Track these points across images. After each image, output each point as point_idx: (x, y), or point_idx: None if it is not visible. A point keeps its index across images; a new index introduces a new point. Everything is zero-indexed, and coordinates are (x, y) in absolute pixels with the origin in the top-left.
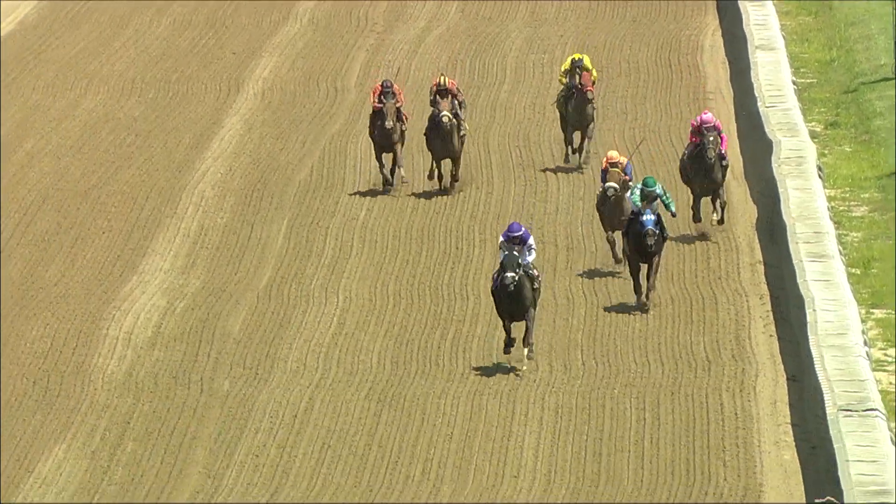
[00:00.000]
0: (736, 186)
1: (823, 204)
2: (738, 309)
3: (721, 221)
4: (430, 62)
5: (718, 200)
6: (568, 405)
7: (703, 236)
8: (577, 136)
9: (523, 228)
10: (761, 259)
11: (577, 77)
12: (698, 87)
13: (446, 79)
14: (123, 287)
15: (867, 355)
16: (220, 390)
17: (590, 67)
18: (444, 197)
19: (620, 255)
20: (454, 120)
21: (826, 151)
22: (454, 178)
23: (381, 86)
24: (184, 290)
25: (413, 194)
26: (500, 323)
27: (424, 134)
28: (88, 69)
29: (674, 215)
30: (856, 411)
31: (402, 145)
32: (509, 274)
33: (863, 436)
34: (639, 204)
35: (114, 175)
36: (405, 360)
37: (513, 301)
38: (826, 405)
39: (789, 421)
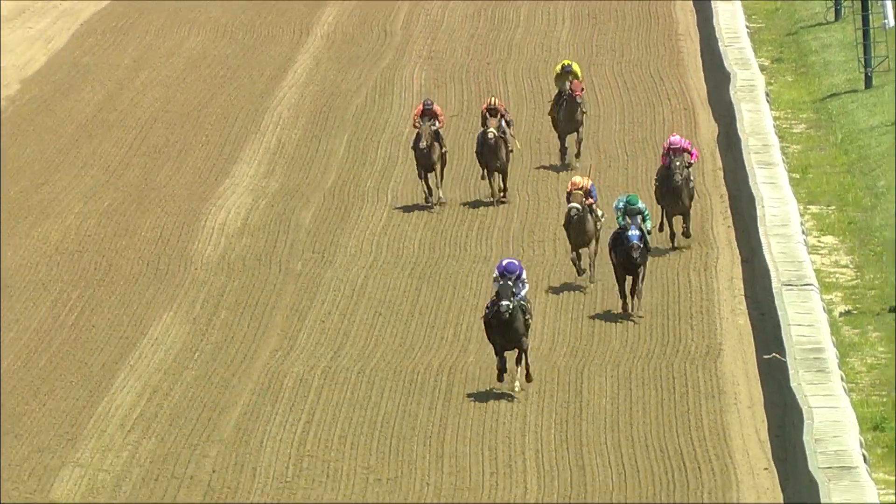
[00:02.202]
0: (701, 109)
1: (770, 122)
2: (702, 205)
3: (686, 235)
4: (460, 10)
5: (683, 225)
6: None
7: (674, 248)
8: (570, 139)
9: (518, 265)
10: (721, 166)
11: (568, 83)
12: (671, 30)
13: (496, 100)
14: (218, 188)
15: (805, 242)
16: (294, 270)
17: (579, 73)
18: (475, 118)
19: (584, 268)
20: (501, 136)
21: (772, 81)
22: (503, 191)
23: (423, 105)
24: (265, 190)
25: (452, 117)
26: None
27: (475, 152)
28: (190, 16)
29: (648, 233)
30: (796, 286)
31: (444, 166)
32: (504, 302)
33: (801, 305)
34: (622, 221)
35: (210, 100)
36: (440, 245)
37: (506, 330)
38: (772, 281)
39: (743, 293)
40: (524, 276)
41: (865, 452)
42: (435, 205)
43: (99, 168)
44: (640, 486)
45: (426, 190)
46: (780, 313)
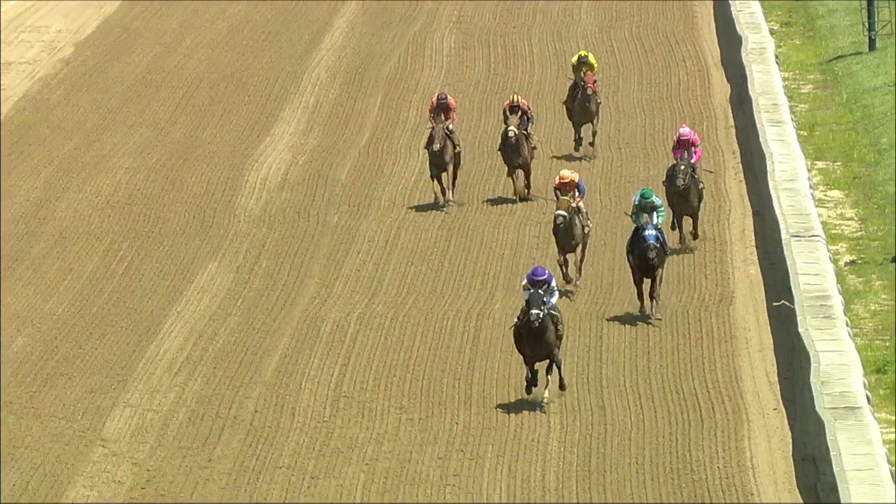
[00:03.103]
0: (714, 70)
1: (779, 83)
2: (715, 160)
3: (695, 237)
4: None
5: (694, 226)
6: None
7: (683, 249)
8: (585, 129)
9: (547, 272)
10: (733, 124)
11: (583, 73)
12: None
13: (518, 97)
14: (259, 145)
15: (812, 196)
16: (331, 222)
17: (594, 64)
18: (502, 79)
19: (570, 276)
20: (523, 133)
21: (781, 44)
22: (527, 186)
23: (437, 99)
24: (304, 147)
25: (476, 81)
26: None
27: (498, 149)
28: None
29: (662, 230)
30: (803, 237)
31: (457, 167)
32: (534, 311)
33: (808, 255)
34: (637, 221)
35: (252, 62)
36: (468, 198)
37: (536, 340)
38: (781, 232)
39: (754, 244)
40: (554, 284)
41: (869, 394)
42: (445, 206)
43: (147, 126)
44: (657, 425)
45: (438, 191)
46: (788, 263)
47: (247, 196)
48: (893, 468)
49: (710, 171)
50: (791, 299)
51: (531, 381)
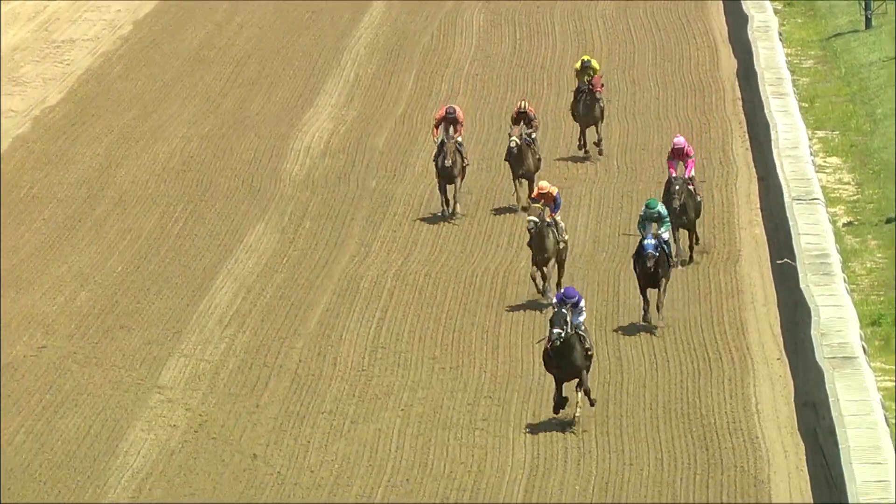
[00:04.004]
0: (722, 47)
1: (783, 58)
2: (723, 130)
3: (690, 258)
4: None
5: (690, 240)
6: (606, 197)
7: (682, 262)
8: (589, 132)
9: (577, 293)
10: (740, 96)
11: (587, 78)
12: None
13: (526, 104)
14: (303, 116)
15: (812, 162)
16: (369, 186)
17: (597, 68)
18: (527, 54)
19: (543, 289)
20: (526, 144)
21: (784, 22)
22: (531, 195)
23: (446, 111)
24: (344, 117)
25: (503, 56)
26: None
27: (505, 159)
28: None
29: (667, 242)
30: (804, 200)
31: (463, 179)
32: (556, 329)
33: (809, 217)
34: (642, 230)
35: (297, 39)
36: (496, 166)
37: (563, 359)
38: (784, 196)
39: (759, 207)
40: (582, 304)
41: (865, 345)
42: (451, 216)
43: (200, 98)
44: (670, 373)
45: (444, 202)
46: (790, 224)
47: (291, 162)
48: (887, 413)
49: (702, 181)
50: (793, 257)
51: (559, 403)
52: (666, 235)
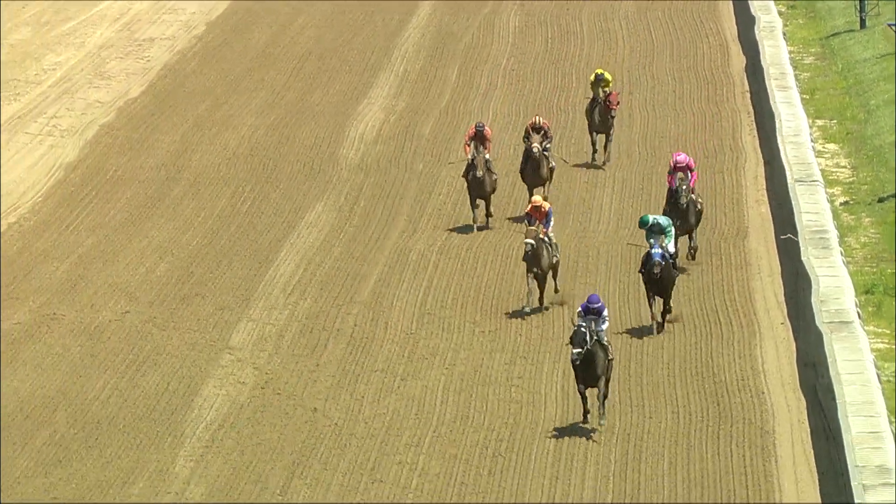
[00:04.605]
0: (732, 45)
1: (786, 55)
2: (733, 119)
3: (692, 257)
4: None
5: (691, 241)
6: (629, 179)
7: (681, 269)
8: (600, 140)
9: (600, 301)
10: (748, 89)
11: (602, 91)
12: None
13: (540, 119)
14: (358, 106)
15: (812, 148)
16: (417, 169)
17: (609, 80)
18: (557, 52)
19: (526, 301)
20: (544, 152)
21: (787, 23)
22: (544, 199)
23: (475, 127)
24: (395, 108)
25: (535, 53)
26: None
27: (520, 170)
28: None
29: (672, 255)
30: (805, 182)
31: (493, 192)
32: (576, 350)
33: (810, 197)
34: (649, 240)
35: (352, 38)
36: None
37: (586, 370)
38: (787, 178)
39: (764, 188)
40: (605, 313)
41: (859, 311)
42: (482, 228)
43: (266, 91)
44: (685, 335)
45: (474, 217)
46: (793, 203)
47: (347, 148)
48: (880, 372)
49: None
50: (795, 233)
51: (585, 409)
52: (671, 246)
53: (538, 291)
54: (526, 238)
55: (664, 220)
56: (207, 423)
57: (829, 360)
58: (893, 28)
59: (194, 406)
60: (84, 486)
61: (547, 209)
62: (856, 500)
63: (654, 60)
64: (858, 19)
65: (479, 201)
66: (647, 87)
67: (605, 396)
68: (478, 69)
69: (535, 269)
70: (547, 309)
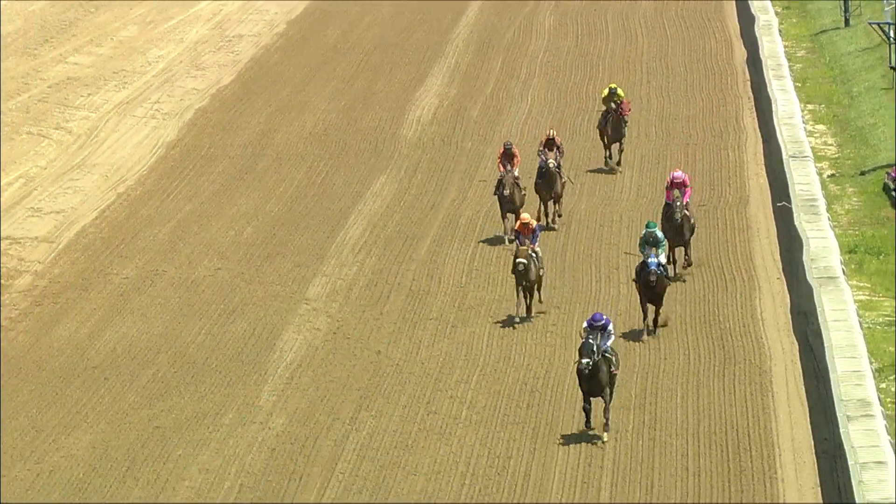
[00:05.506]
0: (735, 41)
1: (781, 49)
2: (736, 104)
3: (687, 266)
4: None
5: (685, 255)
6: (647, 156)
7: (677, 277)
8: (613, 147)
9: (605, 318)
10: (748, 78)
11: (614, 104)
12: None
13: (554, 132)
14: (416, 93)
15: (804, 128)
16: (466, 147)
17: (622, 94)
18: (586, 46)
19: (516, 312)
20: (556, 169)
21: (783, 21)
22: (558, 214)
23: (504, 147)
24: (447, 94)
25: (568, 48)
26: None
27: (534, 184)
28: None
29: (663, 265)
30: (798, 157)
31: (522, 206)
32: (584, 360)
33: (802, 170)
34: (643, 250)
35: (411, 35)
36: (569, 129)
37: (590, 381)
38: (782, 154)
39: (763, 163)
40: (611, 328)
41: (844, 268)
42: (512, 241)
43: (338, 80)
44: (694, 289)
45: (504, 229)
46: (787, 175)
47: (406, 129)
48: (861, 320)
49: (703, 205)
50: (789, 201)
51: (588, 414)
52: (662, 258)
53: (524, 303)
54: (518, 258)
55: (660, 234)
56: (287, 364)
57: (818, 309)
58: (874, 26)
59: (276, 349)
60: (182, 417)
61: (534, 226)
62: (841, 429)
63: (668, 53)
64: (843, 18)
65: (508, 215)
66: (662, 76)
67: (608, 405)
68: (518, 61)
69: (524, 283)
70: (534, 317)
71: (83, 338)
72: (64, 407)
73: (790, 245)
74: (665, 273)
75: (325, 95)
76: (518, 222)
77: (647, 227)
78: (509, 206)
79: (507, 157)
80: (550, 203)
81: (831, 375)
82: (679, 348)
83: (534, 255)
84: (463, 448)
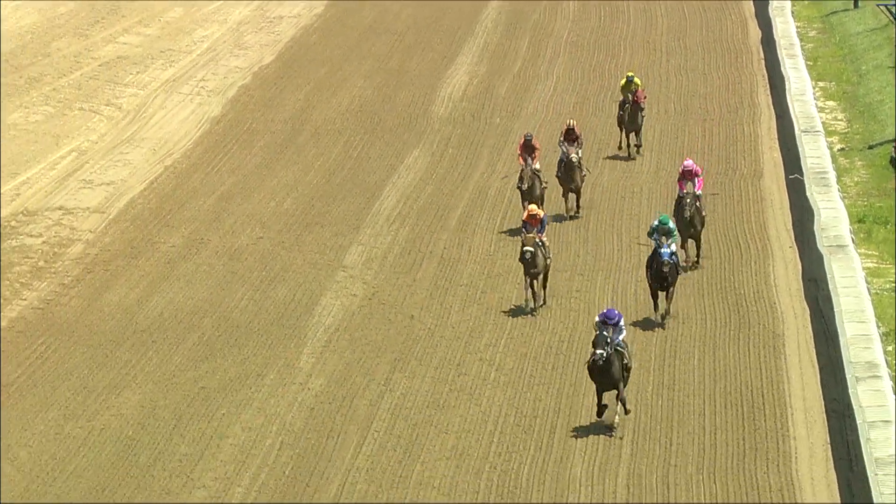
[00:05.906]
0: (750, 22)
1: (794, 30)
2: (751, 82)
3: (696, 263)
4: None
5: (697, 248)
6: (666, 130)
7: (690, 267)
8: (630, 137)
9: (618, 314)
10: (763, 57)
11: (630, 94)
12: None
13: (573, 122)
14: (447, 71)
15: (815, 104)
16: (494, 123)
17: (639, 83)
18: (609, 28)
19: (528, 308)
20: (578, 161)
21: (795, 3)
22: (578, 207)
23: (524, 138)
24: (477, 72)
25: (591, 29)
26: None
27: (556, 174)
28: None
29: (674, 254)
30: (810, 132)
31: (541, 202)
32: (599, 351)
33: (813, 144)
34: (655, 239)
35: (443, 16)
36: (590, 105)
37: (603, 374)
38: (795, 129)
39: (776, 137)
40: (622, 323)
41: (853, 237)
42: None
43: (373, 59)
44: (711, 257)
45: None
46: (799, 149)
47: (438, 105)
48: (869, 286)
49: (715, 194)
50: (801, 173)
51: (601, 407)
52: (674, 247)
53: (531, 290)
54: (525, 245)
55: (673, 226)
56: (325, 327)
57: (829, 276)
58: (881, 7)
59: (315, 313)
60: (226, 378)
61: (542, 217)
62: (849, 390)
63: (687, 34)
64: (853, 1)
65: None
66: (681, 56)
67: (623, 400)
68: (544, 41)
69: (532, 271)
70: (542, 306)
71: (132, 303)
72: (114, 368)
73: (802, 215)
74: (677, 262)
75: (361, 73)
76: (526, 213)
77: (661, 221)
78: (530, 198)
79: (528, 149)
80: (571, 196)
81: (840, 339)
82: (696, 313)
83: (540, 243)
84: (492, 407)
